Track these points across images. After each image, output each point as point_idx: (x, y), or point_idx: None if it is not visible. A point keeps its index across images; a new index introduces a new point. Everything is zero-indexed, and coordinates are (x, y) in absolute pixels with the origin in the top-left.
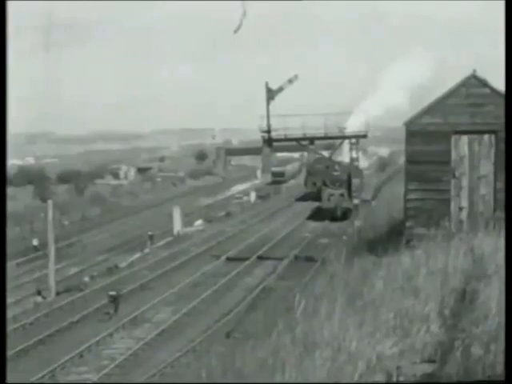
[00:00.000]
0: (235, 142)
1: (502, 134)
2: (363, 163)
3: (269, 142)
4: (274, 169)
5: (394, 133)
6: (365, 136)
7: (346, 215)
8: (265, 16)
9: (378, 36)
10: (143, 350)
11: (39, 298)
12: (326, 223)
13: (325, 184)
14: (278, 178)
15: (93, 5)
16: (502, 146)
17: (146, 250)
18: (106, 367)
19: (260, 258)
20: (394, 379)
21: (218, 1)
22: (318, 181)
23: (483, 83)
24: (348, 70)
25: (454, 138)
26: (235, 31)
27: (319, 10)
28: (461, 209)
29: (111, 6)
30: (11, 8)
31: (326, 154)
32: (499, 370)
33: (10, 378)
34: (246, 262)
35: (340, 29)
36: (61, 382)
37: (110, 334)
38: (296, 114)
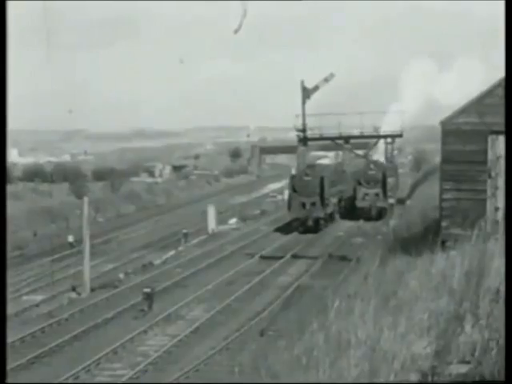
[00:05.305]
0: (270, 140)
1: None
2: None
3: (304, 140)
4: None
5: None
6: (400, 135)
7: (380, 215)
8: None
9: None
10: (177, 347)
11: (74, 295)
12: (361, 222)
13: (359, 183)
14: None
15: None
16: None
17: (181, 248)
18: (140, 364)
19: (294, 256)
20: (429, 379)
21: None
22: (307, 201)
23: None
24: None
25: (490, 138)
26: (235, 32)
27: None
28: (496, 209)
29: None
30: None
31: (360, 152)
32: None
33: (47, 372)
34: (280, 261)
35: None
36: (96, 379)
37: (145, 331)
38: (331, 113)
